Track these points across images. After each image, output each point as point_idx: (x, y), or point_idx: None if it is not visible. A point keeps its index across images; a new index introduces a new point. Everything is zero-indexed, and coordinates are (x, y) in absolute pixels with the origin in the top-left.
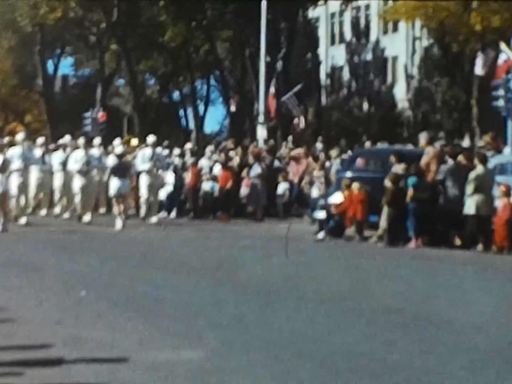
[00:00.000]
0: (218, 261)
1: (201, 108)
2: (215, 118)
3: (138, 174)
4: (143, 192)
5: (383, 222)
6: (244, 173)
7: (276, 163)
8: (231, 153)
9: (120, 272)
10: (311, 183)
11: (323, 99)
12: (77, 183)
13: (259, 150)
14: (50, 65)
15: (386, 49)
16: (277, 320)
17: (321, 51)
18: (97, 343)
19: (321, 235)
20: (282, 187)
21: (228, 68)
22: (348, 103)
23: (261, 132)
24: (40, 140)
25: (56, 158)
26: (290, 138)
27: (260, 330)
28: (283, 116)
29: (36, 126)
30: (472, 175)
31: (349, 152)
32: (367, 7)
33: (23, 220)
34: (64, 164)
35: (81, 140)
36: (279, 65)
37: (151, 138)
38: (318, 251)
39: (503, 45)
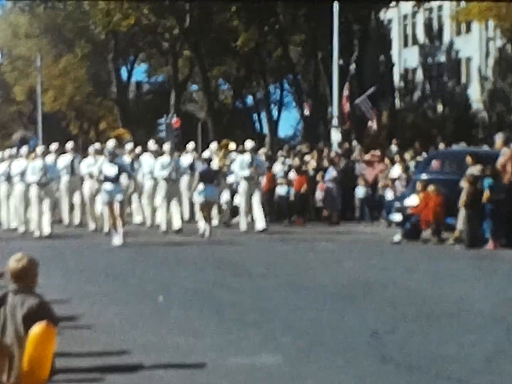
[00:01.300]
0: (296, 265)
1: (274, 112)
2: (288, 122)
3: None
4: (241, 200)
5: (460, 224)
6: (318, 177)
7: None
8: (306, 157)
9: (198, 277)
10: (386, 186)
11: (397, 102)
12: (162, 191)
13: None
14: (123, 72)
15: (459, 50)
16: (354, 324)
17: (394, 53)
18: (175, 348)
19: (397, 237)
20: (361, 191)
21: (301, 72)
22: (422, 105)
23: (335, 136)
24: (129, 146)
25: (146, 166)
26: (354, 143)
27: (337, 334)
28: (357, 119)
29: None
30: None
31: (424, 154)
32: (440, 8)
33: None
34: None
35: (167, 146)
36: (352, 68)
37: (249, 143)
38: (395, 254)
39: None
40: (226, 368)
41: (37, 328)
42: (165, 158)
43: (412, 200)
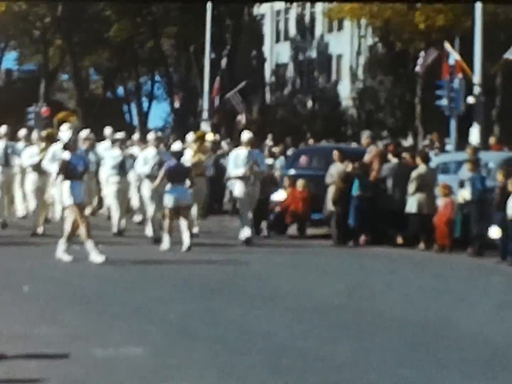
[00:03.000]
0: (168, 259)
1: (145, 104)
2: (159, 114)
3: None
4: (241, 204)
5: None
6: None
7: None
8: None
9: (65, 267)
10: None
11: (268, 97)
12: (147, 190)
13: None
14: None
15: (331, 47)
16: (223, 316)
17: (266, 48)
18: (40, 339)
19: (264, 232)
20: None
21: (173, 64)
22: (293, 100)
23: (205, 129)
24: (85, 133)
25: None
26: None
27: (204, 327)
28: (228, 113)
29: None
30: (414, 174)
31: (293, 149)
32: (312, 4)
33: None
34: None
35: (151, 136)
36: (224, 62)
37: (246, 135)
38: (261, 247)
39: (447, 45)
40: (89, 359)
41: None
42: (150, 151)
43: (279, 195)
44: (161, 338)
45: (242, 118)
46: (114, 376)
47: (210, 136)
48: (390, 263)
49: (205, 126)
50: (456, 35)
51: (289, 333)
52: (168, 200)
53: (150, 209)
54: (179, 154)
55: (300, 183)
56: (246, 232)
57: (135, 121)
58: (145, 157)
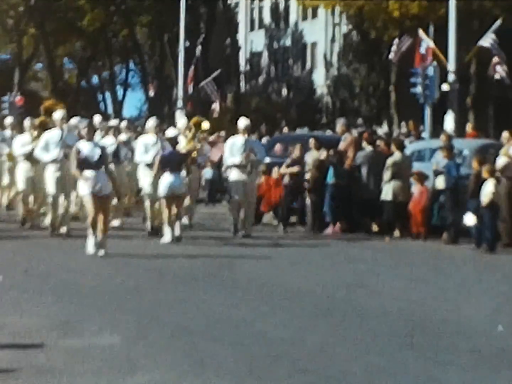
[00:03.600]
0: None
1: (120, 93)
2: (133, 103)
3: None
4: (237, 195)
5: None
6: None
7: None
8: None
9: (40, 258)
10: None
11: (242, 85)
12: (147, 179)
13: None
14: None
15: (305, 35)
16: (195, 306)
17: (241, 36)
18: (15, 329)
19: None
20: (208, 172)
21: (147, 53)
22: (267, 89)
23: (180, 117)
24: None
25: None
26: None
27: (176, 316)
28: (202, 101)
29: None
30: (389, 161)
31: (267, 138)
32: None
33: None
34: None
35: (151, 123)
36: (198, 50)
37: (243, 122)
38: (235, 239)
39: (421, 33)
40: (63, 349)
41: None
42: (150, 138)
43: None
44: (134, 327)
45: (216, 107)
46: (88, 365)
47: (206, 124)
48: (364, 251)
49: (180, 115)
50: (430, 23)
51: (265, 322)
52: (163, 189)
53: (148, 198)
54: (174, 141)
55: (275, 171)
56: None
57: (110, 109)
58: (146, 145)
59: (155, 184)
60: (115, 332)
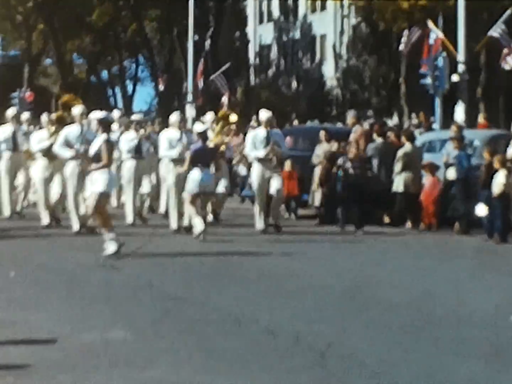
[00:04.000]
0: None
1: (129, 87)
2: (143, 97)
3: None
4: (255, 187)
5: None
6: None
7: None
8: None
9: (51, 253)
10: (240, 162)
11: (252, 78)
12: (171, 175)
13: None
14: None
15: (314, 27)
16: (205, 300)
17: (250, 29)
18: (28, 324)
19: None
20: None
21: (157, 47)
22: (277, 82)
23: (190, 111)
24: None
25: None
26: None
27: (190, 310)
28: (212, 95)
29: None
30: (400, 153)
31: None
32: None
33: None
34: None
35: (175, 117)
36: (207, 44)
37: (264, 114)
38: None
39: (431, 24)
40: (75, 344)
41: None
42: (174, 133)
43: None
44: (146, 321)
45: (225, 100)
46: (101, 360)
47: (234, 117)
48: (377, 242)
49: (190, 108)
50: (440, 14)
51: (277, 316)
52: (193, 186)
53: (173, 196)
54: (204, 135)
55: (287, 163)
56: (260, 224)
57: (120, 104)
58: (170, 140)
59: (182, 180)
60: (128, 327)
